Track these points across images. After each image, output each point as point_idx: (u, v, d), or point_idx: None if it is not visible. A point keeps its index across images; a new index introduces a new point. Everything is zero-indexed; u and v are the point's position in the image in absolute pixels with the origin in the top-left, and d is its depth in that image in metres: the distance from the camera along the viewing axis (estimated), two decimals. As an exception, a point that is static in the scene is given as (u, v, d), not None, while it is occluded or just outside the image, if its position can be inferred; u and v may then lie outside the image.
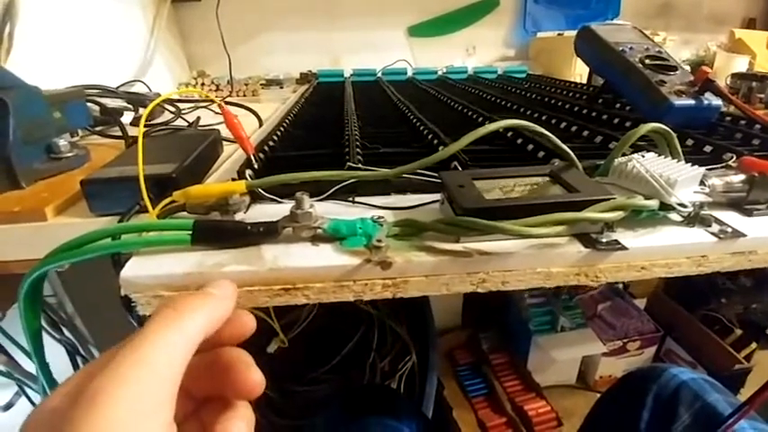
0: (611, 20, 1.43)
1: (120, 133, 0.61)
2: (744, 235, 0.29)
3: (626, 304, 1.19)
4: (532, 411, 1.01)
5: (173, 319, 0.20)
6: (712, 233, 0.29)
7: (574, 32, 0.65)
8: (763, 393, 0.43)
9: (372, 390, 0.66)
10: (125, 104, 0.77)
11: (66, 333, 0.70)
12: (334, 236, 0.27)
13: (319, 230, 0.27)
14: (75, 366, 0.70)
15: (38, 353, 0.32)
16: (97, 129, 0.66)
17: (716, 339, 1.10)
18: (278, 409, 0.85)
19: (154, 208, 0.30)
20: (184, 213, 0.31)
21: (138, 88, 0.97)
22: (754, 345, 1.10)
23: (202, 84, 1.15)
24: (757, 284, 1.20)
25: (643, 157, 0.32)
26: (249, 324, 0.24)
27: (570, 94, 0.81)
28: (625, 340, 1.10)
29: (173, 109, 0.76)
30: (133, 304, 0.25)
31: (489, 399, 1.07)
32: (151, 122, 0.71)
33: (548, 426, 1.00)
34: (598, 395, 0.65)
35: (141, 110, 0.77)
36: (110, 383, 0.17)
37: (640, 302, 1.21)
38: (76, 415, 0.16)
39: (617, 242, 0.27)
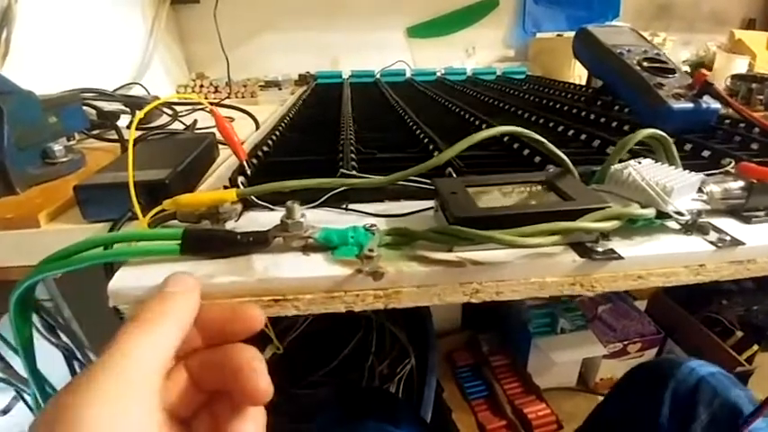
0: (611, 21, 1.42)
1: (116, 137, 0.61)
2: (742, 243, 0.29)
3: (626, 306, 1.19)
4: (532, 414, 1.00)
5: (142, 332, 0.20)
6: (710, 241, 0.29)
7: (573, 33, 0.65)
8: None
9: (370, 393, 0.65)
10: (122, 108, 0.76)
11: (63, 338, 0.69)
12: (325, 245, 0.27)
13: (310, 240, 0.27)
14: (73, 371, 0.69)
15: (29, 362, 0.32)
16: (94, 132, 0.66)
17: (717, 341, 1.09)
18: (276, 411, 0.85)
19: (146, 215, 0.30)
20: (176, 221, 0.31)
21: (136, 91, 0.97)
22: (755, 347, 1.10)
23: (201, 86, 1.15)
24: (759, 286, 1.19)
25: (639, 163, 0.32)
26: (257, 318, 0.23)
27: (569, 96, 0.81)
28: (625, 342, 1.10)
29: (170, 112, 0.76)
30: (122, 317, 0.24)
31: (489, 401, 1.06)
32: (147, 125, 0.71)
33: (548, 429, 1.00)
34: (599, 398, 0.64)
35: (138, 113, 0.77)
36: (87, 407, 0.17)
37: (641, 304, 1.21)
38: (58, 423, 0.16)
39: (613, 251, 0.27)
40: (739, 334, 1.12)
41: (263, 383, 0.21)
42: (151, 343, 0.20)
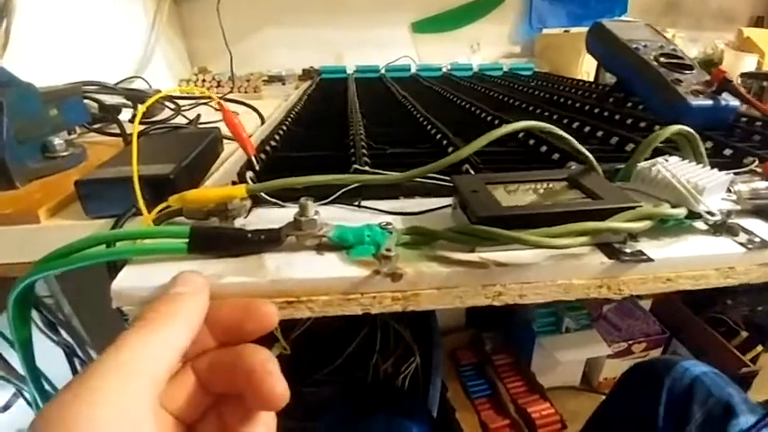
0: (619, 16, 1.40)
1: (118, 131, 0.60)
2: (773, 245, 0.28)
3: (631, 305, 1.18)
4: (536, 413, 0.99)
5: (149, 331, 0.19)
6: (740, 243, 0.28)
7: (580, 29, 0.64)
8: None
9: (378, 388, 0.65)
10: (124, 101, 0.75)
11: (64, 334, 0.68)
12: (340, 244, 0.26)
13: (324, 239, 0.26)
14: (73, 368, 0.68)
15: (28, 361, 0.31)
16: (95, 126, 0.65)
17: (722, 341, 1.08)
18: (281, 409, 0.84)
19: (150, 211, 0.29)
20: (182, 218, 0.29)
21: (138, 85, 0.95)
22: (759, 347, 1.09)
23: (203, 80, 1.13)
24: (764, 286, 1.18)
25: (666, 161, 0.31)
26: (271, 316, 0.22)
27: (579, 93, 0.79)
28: (630, 342, 1.09)
29: (173, 106, 0.75)
30: (125, 318, 0.23)
31: (492, 400, 1.05)
32: (150, 120, 0.69)
33: (552, 428, 0.99)
34: (603, 397, 0.64)
35: (140, 107, 0.76)
36: (87, 407, 0.16)
37: (646, 303, 1.20)
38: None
39: (642, 253, 0.26)
40: (744, 334, 1.11)
41: (279, 387, 0.20)
42: (160, 342, 0.19)
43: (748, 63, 1.20)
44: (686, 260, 0.27)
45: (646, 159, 0.32)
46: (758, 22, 1.58)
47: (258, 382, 0.20)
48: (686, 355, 1.14)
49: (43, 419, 0.16)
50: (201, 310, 0.21)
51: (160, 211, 0.28)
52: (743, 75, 0.98)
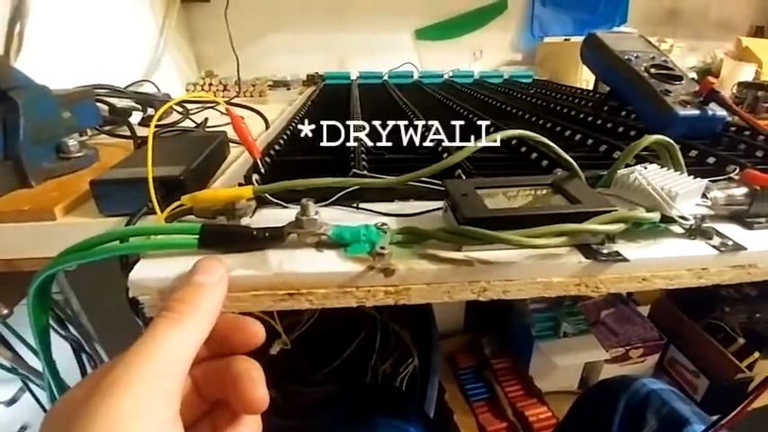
0: (619, 25, 1.42)
1: (128, 133, 0.62)
2: (744, 248, 0.30)
3: (629, 311, 1.19)
4: (533, 417, 1.00)
5: (174, 320, 0.20)
6: (713, 246, 0.30)
7: (581, 38, 0.66)
8: (739, 413, 0.42)
9: (377, 389, 0.66)
10: (133, 104, 0.77)
11: (72, 330, 0.70)
12: (338, 242, 0.28)
13: (324, 237, 0.28)
14: (80, 363, 0.70)
15: (45, 351, 0.32)
16: (106, 128, 0.67)
17: (719, 348, 1.09)
18: (279, 409, 0.86)
19: (161, 210, 0.31)
20: (192, 217, 0.31)
21: (147, 88, 0.98)
22: (756, 354, 1.10)
23: (210, 84, 1.16)
24: (761, 294, 1.19)
25: (645, 168, 0.33)
26: (259, 334, 0.24)
27: (576, 101, 0.81)
28: (628, 347, 1.10)
29: (180, 109, 0.77)
30: (141, 306, 0.25)
31: (490, 403, 1.07)
32: (159, 123, 0.72)
33: (549, 432, 1.00)
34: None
35: (150, 110, 0.78)
36: (119, 379, 0.18)
37: (644, 309, 1.21)
38: (90, 407, 0.17)
39: (618, 253, 0.28)
40: (741, 341, 1.12)
41: (260, 392, 0.22)
42: (183, 332, 0.20)
43: (746, 72, 1.21)
44: (661, 261, 0.28)
45: (627, 167, 0.34)
46: (758, 32, 1.60)
47: (243, 387, 0.22)
48: (684, 362, 1.15)
49: (61, 412, 0.18)
50: (221, 301, 0.23)
51: (173, 209, 0.30)
52: (739, 84, 0.99)
